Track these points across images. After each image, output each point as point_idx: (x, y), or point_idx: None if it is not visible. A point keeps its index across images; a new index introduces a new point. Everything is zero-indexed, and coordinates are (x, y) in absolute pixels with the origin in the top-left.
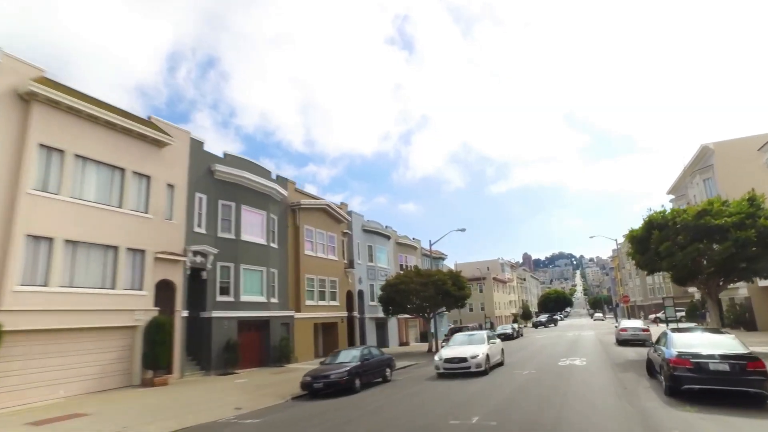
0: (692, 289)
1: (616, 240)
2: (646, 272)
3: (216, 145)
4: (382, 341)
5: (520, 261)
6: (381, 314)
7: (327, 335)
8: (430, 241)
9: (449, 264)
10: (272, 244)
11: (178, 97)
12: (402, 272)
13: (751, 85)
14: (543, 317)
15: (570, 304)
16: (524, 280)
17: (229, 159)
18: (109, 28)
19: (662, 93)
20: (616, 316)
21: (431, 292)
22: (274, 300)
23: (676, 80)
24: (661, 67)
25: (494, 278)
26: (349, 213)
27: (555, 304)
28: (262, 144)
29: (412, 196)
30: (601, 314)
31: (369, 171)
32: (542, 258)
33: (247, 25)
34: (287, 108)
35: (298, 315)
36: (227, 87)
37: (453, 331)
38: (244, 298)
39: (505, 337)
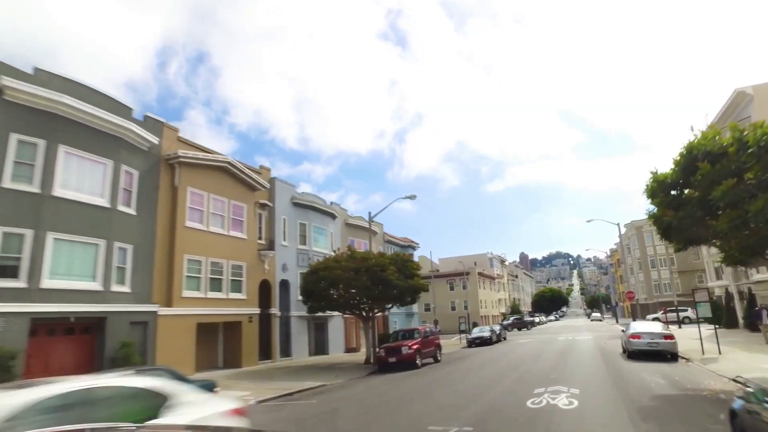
0: (722, 282)
1: (618, 225)
2: (675, 246)
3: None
4: (321, 346)
5: (517, 260)
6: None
7: (228, 339)
8: (370, 213)
9: (433, 259)
10: (123, 209)
11: (169, 94)
12: (333, 254)
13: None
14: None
15: (566, 303)
16: (516, 277)
17: (42, 76)
18: (96, 20)
19: (660, 91)
20: (616, 317)
21: (365, 282)
22: (120, 288)
23: (674, 78)
24: (659, 64)
25: (480, 273)
26: (273, 180)
27: (550, 304)
28: (257, 142)
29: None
30: (598, 314)
31: (364, 169)
32: (539, 257)
33: (237, 19)
34: (281, 104)
35: (166, 311)
36: (219, 83)
37: (396, 336)
38: (49, 283)
39: (481, 342)
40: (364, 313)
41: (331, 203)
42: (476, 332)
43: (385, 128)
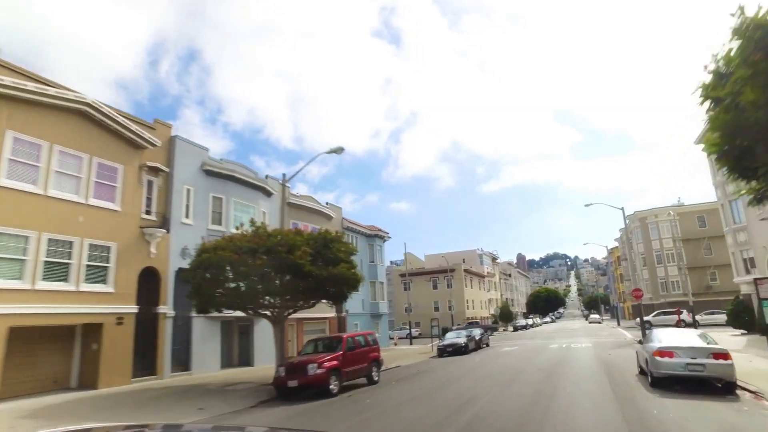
0: (748, 277)
1: (623, 209)
2: (749, 190)
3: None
4: (246, 357)
5: (514, 260)
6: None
7: (87, 349)
8: (284, 175)
9: (419, 255)
10: None
11: (161, 92)
12: (235, 232)
13: None
14: (521, 321)
15: (563, 304)
16: (509, 276)
17: None
18: (81, 15)
19: (659, 90)
20: (617, 318)
21: (263, 267)
22: None
23: (673, 77)
24: (657, 63)
25: (466, 271)
26: (173, 139)
27: (546, 305)
28: (251, 141)
29: (404, 194)
30: (597, 316)
31: (359, 169)
32: (537, 258)
33: (228, 16)
34: (275, 103)
35: None
36: (212, 82)
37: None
38: None
39: (453, 350)
40: (269, 313)
41: (267, 177)
42: (449, 338)
43: (381, 127)
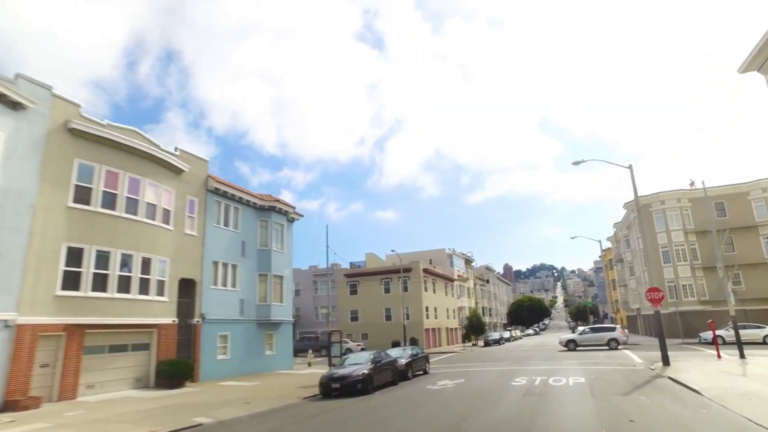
0: None
1: (600, 242)
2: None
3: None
4: None
5: (501, 272)
6: None
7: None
8: None
9: (380, 255)
10: None
11: (140, 95)
12: None
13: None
14: (494, 334)
15: (548, 314)
16: (487, 282)
17: None
18: (55, 10)
19: (641, 103)
20: None
21: None
22: None
23: (654, 90)
24: (638, 75)
25: (426, 271)
26: None
27: (529, 315)
28: (236, 147)
29: (389, 203)
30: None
31: (344, 177)
32: (523, 269)
33: (207, 16)
34: (258, 107)
35: None
36: (193, 84)
37: None
38: None
39: (344, 388)
40: None
41: (17, 76)
42: (347, 364)
43: (365, 135)
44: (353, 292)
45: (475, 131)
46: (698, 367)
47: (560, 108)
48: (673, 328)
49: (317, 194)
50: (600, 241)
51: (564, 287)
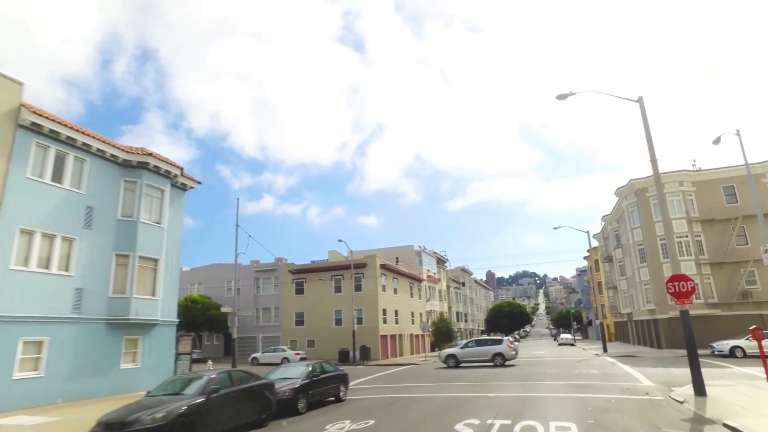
0: None
1: (588, 232)
2: None
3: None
4: None
5: (484, 278)
6: None
7: None
8: None
9: (340, 251)
10: None
11: (116, 94)
12: None
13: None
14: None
15: (528, 321)
16: (462, 284)
17: None
18: (22, 3)
19: (621, 111)
20: (603, 343)
21: None
22: None
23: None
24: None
25: (385, 267)
26: None
27: (508, 321)
28: (217, 149)
29: (371, 208)
30: (569, 335)
31: (325, 181)
32: (506, 276)
33: (182, 12)
34: (239, 110)
35: None
36: (172, 84)
37: None
38: None
39: None
40: None
41: None
42: (156, 395)
43: (347, 139)
44: (299, 291)
45: (456, 137)
46: (753, 399)
47: (539, 115)
48: (676, 336)
49: (299, 199)
50: (588, 232)
51: (546, 295)
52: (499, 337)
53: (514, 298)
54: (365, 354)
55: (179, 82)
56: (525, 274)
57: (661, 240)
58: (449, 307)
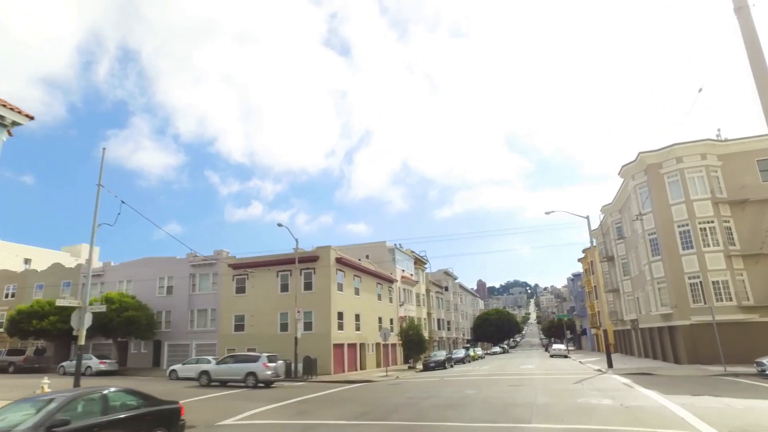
0: None
1: (587, 218)
2: None
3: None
4: None
5: (474, 287)
6: None
7: None
8: None
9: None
10: None
11: (99, 96)
12: None
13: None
14: (437, 354)
15: (518, 330)
16: (445, 289)
17: None
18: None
19: (608, 121)
20: (609, 358)
21: None
22: None
23: (621, 107)
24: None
25: (341, 261)
26: None
27: (496, 330)
28: (204, 155)
29: (359, 216)
30: (561, 346)
31: (312, 189)
32: (497, 285)
33: (163, 13)
34: (226, 115)
35: None
36: (157, 87)
37: None
38: None
39: None
40: None
41: None
42: None
43: (336, 146)
44: (240, 289)
45: (443, 145)
46: None
47: (526, 124)
48: (701, 347)
49: (286, 205)
50: (587, 217)
51: (537, 304)
52: (256, 354)
53: (505, 307)
54: (310, 367)
55: (164, 85)
56: (516, 284)
57: (679, 226)
58: (428, 314)
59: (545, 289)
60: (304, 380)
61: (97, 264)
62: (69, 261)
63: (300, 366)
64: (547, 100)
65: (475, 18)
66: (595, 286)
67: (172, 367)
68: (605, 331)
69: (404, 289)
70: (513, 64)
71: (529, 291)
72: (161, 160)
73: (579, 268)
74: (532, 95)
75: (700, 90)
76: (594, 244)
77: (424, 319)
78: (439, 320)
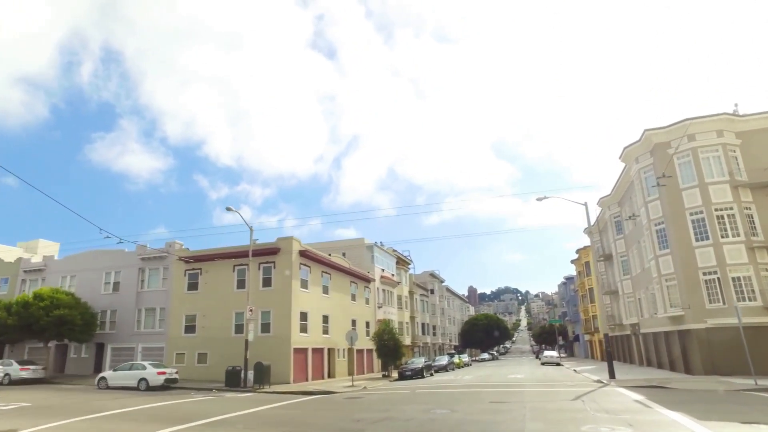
0: None
1: (585, 204)
2: None
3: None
4: None
5: (466, 294)
6: None
7: None
8: None
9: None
10: None
11: (82, 98)
12: None
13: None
14: (416, 361)
15: (508, 336)
16: (431, 291)
17: None
18: None
19: (597, 129)
20: (610, 367)
21: None
22: None
23: (608, 117)
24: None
25: (306, 254)
26: None
27: (485, 336)
28: (193, 159)
29: (348, 222)
30: (553, 352)
31: (301, 194)
32: (488, 292)
33: (154, 17)
34: (214, 118)
35: None
36: (143, 91)
37: None
38: None
39: None
40: None
41: None
42: None
43: (324, 151)
44: (193, 285)
45: (431, 151)
46: None
47: (514, 131)
48: (720, 355)
49: (275, 210)
50: (585, 204)
51: (528, 311)
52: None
53: (496, 314)
54: (261, 375)
55: (150, 87)
56: (507, 290)
57: (692, 214)
58: (412, 317)
59: (536, 295)
60: (254, 390)
61: (38, 259)
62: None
63: (251, 373)
64: (535, 106)
65: (461, 24)
66: (589, 289)
67: (101, 375)
68: (606, 335)
69: (384, 290)
70: (499, 71)
71: (520, 298)
72: (148, 163)
73: (571, 271)
74: (519, 101)
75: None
76: (592, 224)
77: (407, 323)
78: (423, 325)
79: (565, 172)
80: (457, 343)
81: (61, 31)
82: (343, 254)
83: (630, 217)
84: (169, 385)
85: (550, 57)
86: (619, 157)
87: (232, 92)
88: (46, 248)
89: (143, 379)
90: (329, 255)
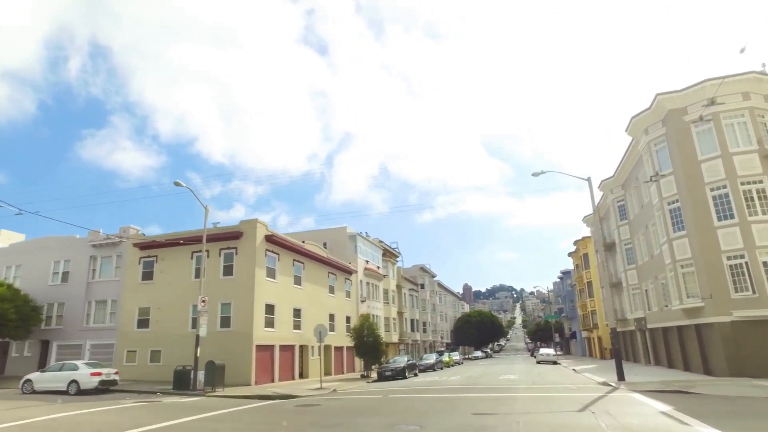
0: None
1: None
2: None
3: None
4: None
5: (461, 291)
6: None
7: None
8: None
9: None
10: None
11: (70, 94)
12: None
13: None
14: (398, 359)
15: (502, 333)
16: (420, 286)
17: None
18: None
19: (589, 125)
20: (618, 365)
21: None
22: None
23: (602, 112)
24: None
25: (272, 240)
26: None
27: (478, 333)
28: (185, 156)
29: (341, 220)
30: (550, 350)
31: (293, 191)
32: (483, 290)
33: (139, 10)
34: (206, 115)
35: None
36: (134, 85)
37: None
38: None
39: None
40: None
41: None
42: None
43: (317, 148)
44: (147, 275)
45: (423, 149)
46: None
47: (504, 129)
48: (754, 354)
49: (268, 208)
50: (589, 179)
51: (523, 308)
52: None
53: (490, 311)
54: (214, 375)
55: (140, 83)
56: (502, 288)
57: (713, 189)
58: (400, 313)
59: (531, 293)
60: (204, 394)
61: None
62: None
63: (202, 374)
64: (529, 105)
65: (452, 20)
66: (588, 283)
67: (27, 377)
68: (614, 330)
69: (368, 283)
70: (491, 69)
71: (515, 295)
72: (140, 160)
73: (568, 264)
74: (512, 99)
75: (743, 50)
76: (596, 204)
77: (394, 318)
78: (413, 321)
79: (560, 170)
80: (449, 341)
81: (47, 24)
82: (324, 245)
83: (651, 178)
84: (105, 388)
85: (545, 55)
86: (626, 130)
87: (223, 88)
88: (10, 239)
89: (73, 381)
90: (303, 242)
